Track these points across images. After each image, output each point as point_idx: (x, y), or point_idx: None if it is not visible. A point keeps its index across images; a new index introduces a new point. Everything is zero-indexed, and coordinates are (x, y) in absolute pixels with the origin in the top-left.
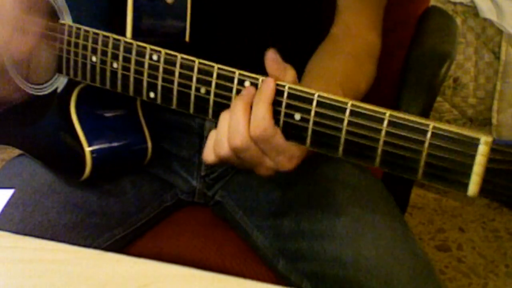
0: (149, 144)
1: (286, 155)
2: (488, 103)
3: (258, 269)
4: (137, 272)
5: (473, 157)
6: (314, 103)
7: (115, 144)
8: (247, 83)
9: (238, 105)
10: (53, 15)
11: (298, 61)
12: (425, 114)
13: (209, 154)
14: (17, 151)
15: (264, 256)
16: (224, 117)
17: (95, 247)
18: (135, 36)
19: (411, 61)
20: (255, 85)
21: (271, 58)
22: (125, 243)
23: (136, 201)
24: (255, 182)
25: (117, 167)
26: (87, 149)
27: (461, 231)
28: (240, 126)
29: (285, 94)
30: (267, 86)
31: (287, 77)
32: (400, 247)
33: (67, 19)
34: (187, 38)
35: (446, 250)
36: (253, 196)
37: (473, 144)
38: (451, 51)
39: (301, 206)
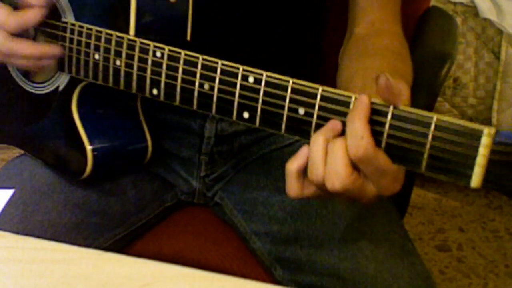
0: (149, 143)
1: (390, 177)
2: (488, 103)
3: (258, 269)
4: (137, 272)
5: (476, 148)
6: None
7: (116, 142)
8: (251, 79)
9: (335, 145)
10: (56, 13)
11: (300, 59)
12: None
13: (292, 190)
14: (17, 151)
15: (261, 263)
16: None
17: (95, 247)
18: (137, 34)
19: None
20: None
21: (384, 85)
22: (125, 243)
23: (136, 201)
24: (254, 185)
25: (117, 166)
26: (88, 148)
27: (461, 231)
28: (339, 168)
29: (389, 116)
30: (361, 102)
31: (402, 100)
32: (398, 261)
33: (69, 18)
34: (188, 37)
35: (446, 250)
36: (251, 199)
37: (476, 136)
38: (451, 51)
39: (299, 212)
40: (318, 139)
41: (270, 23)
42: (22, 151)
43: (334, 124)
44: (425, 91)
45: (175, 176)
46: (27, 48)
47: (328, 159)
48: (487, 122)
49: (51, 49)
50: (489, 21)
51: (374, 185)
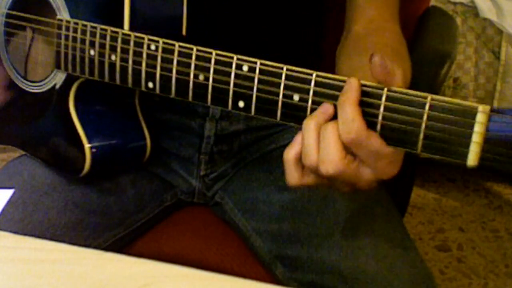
0: (148, 141)
1: (386, 160)
2: (488, 103)
3: (258, 269)
4: (137, 272)
5: (471, 126)
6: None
7: (114, 140)
8: (245, 68)
9: (327, 130)
10: (51, 11)
11: (300, 59)
12: None
13: (292, 178)
14: (17, 152)
15: (262, 261)
16: (309, 140)
17: (95, 247)
18: (132, 29)
19: (411, 61)
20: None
21: (379, 64)
22: (125, 243)
23: (136, 201)
24: (254, 184)
25: (116, 164)
26: (87, 145)
27: (461, 231)
28: (331, 153)
29: (383, 98)
30: (351, 86)
31: (395, 81)
32: (399, 259)
33: (64, 15)
34: (183, 32)
35: (446, 250)
36: (252, 198)
37: (471, 113)
38: (451, 51)
39: (299, 210)
40: (309, 124)
41: (268, 20)
42: (22, 152)
43: (325, 108)
44: (425, 91)
45: (174, 176)
46: None
47: (321, 144)
48: None
49: None
50: (489, 21)
51: (370, 168)
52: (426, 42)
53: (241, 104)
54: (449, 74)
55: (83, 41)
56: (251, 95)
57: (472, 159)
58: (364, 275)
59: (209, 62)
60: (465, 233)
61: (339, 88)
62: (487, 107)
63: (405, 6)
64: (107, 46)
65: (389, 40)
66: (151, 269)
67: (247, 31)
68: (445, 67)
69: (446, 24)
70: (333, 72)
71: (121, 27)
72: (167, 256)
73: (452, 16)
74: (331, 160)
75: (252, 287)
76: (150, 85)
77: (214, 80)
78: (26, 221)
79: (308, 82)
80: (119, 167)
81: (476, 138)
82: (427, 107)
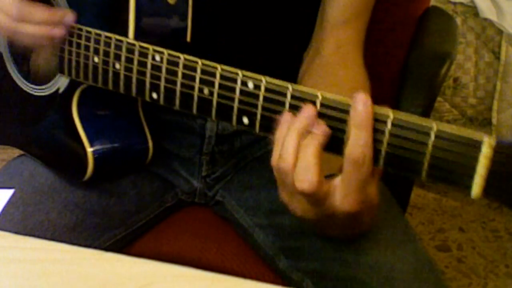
0: (150, 144)
1: (364, 195)
2: (488, 103)
3: (258, 269)
4: (137, 272)
5: (476, 159)
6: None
7: (116, 144)
8: (250, 84)
9: (310, 146)
10: None
11: (301, 62)
12: (426, 114)
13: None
14: (17, 152)
15: (265, 255)
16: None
17: (95, 247)
18: (137, 36)
19: (411, 61)
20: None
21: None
22: (125, 243)
23: (136, 201)
24: (256, 182)
25: (118, 168)
26: (89, 150)
27: (461, 231)
28: (310, 170)
29: (389, 124)
30: (369, 110)
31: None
32: (401, 245)
33: None
34: (188, 39)
35: (446, 250)
36: (254, 196)
37: (476, 146)
38: (451, 51)
39: None
40: (292, 134)
41: (270, 25)
42: (22, 152)
43: (308, 111)
44: (425, 91)
45: (175, 176)
46: (42, 12)
47: (300, 159)
48: (487, 122)
49: (65, 13)
50: (489, 21)
51: (344, 196)
52: (426, 42)
53: (245, 120)
54: (449, 74)
55: (87, 48)
56: (256, 113)
57: (476, 191)
58: (366, 260)
59: (214, 76)
60: (465, 233)
61: (344, 111)
62: (493, 141)
63: (405, 6)
64: (111, 55)
65: (353, 75)
66: (151, 269)
67: (250, 35)
68: (445, 67)
69: (446, 24)
70: None
71: (126, 33)
72: (167, 256)
73: (452, 16)
74: (305, 178)
75: (252, 287)
76: (154, 96)
77: (219, 95)
78: (26, 221)
79: (313, 102)
80: (121, 171)
81: (480, 171)
82: (432, 136)
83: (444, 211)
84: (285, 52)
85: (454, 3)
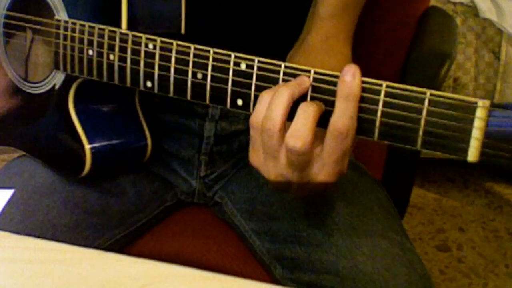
0: (149, 141)
1: (341, 167)
2: None
3: (258, 269)
4: (137, 272)
5: (471, 121)
6: None
7: (114, 141)
8: (243, 65)
9: (310, 106)
10: (49, 11)
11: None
12: None
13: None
14: (17, 152)
15: (261, 261)
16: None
17: (95, 247)
18: (130, 29)
19: (411, 61)
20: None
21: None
22: (125, 243)
23: (136, 201)
24: (254, 184)
25: (117, 165)
26: (87, 146)
27: (461, 231)
28: (303, 129)
29: (382, 94)
30: (357, 83)
31: None
32: (396, 260)
33: (62, 15)
34: (182, 30)
35: (446, 250)
36: (251, 199)
37: (471, 108)
38: (451, 51)
39: (298, 210)
40: (283, 91)
41: (265, 15)
42: (22, 152)
43: (301, 80)
44: None
45: (175, 176)
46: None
47: (300, 114)
48: None
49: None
50: (489, 21)
51: (323, 165)
52: (426, 42)
53: (239, 102)
54: (449, 74)
55: (81, 41)
56: (250, 93)
57: (472, 155)
58: (362, 275)
59: (207, 59)
60: (465, 233)
61: (336, 84)
62: (487, 102)
63: (405, 6)
64: (105, 46)
65: (337, 64)
66: (151, 269)
67: (245, 26)
68: (445, 67)
69: (446, 24)
70: None
71: (119, 26)
72: (167, 256)
73: (452, 16)
74: (301, 135)
75: (252, 287)
76: (149, 84)
77: (212, 79)
78: (26, 221)
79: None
80: (119, 168)
81: (476, 133)
82: (426, 102)
83: (444, 211)
84: (280, 43)
85: (454, 3)
